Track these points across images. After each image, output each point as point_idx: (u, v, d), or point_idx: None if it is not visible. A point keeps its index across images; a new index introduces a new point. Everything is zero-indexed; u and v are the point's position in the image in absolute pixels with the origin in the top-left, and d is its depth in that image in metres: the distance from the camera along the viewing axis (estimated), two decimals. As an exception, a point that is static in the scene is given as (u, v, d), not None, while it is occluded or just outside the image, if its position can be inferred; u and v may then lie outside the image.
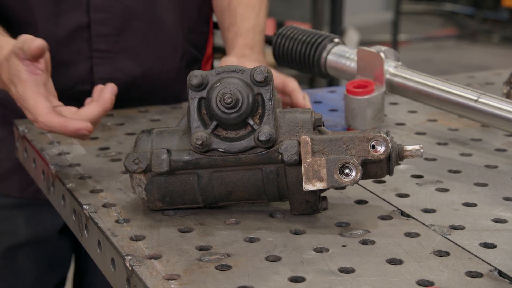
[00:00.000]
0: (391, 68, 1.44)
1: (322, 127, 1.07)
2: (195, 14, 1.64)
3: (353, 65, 1.49)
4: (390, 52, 1.46)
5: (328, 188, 1.03)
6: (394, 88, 1.44)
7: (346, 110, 1.45)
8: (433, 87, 1.38)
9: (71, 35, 1.48)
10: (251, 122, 1.04)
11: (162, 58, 1.58)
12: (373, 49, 1.45)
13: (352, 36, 5.86)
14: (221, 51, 1.70)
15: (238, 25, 1.56)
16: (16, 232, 1.55)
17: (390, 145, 1.03)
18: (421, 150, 1.06)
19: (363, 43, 5.71)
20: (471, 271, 0.93)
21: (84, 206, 1.12)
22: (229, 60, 1.48)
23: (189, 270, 0.93)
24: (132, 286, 0.94)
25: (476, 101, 1.32)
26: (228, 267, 0.94)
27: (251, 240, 1.02)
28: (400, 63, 1.45)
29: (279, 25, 5.36)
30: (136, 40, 1.53)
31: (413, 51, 7.28)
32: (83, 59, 1.49)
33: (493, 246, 1.00)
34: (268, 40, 1.63)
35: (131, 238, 1.02)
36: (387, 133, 1.04)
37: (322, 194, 1.09)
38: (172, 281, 0.90)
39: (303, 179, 1.02)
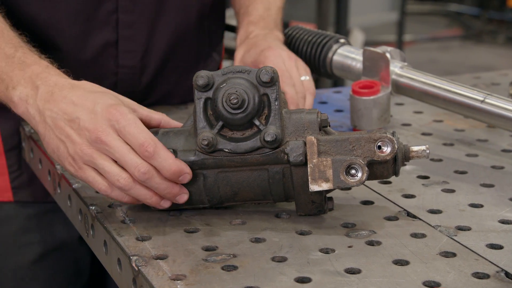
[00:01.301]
0: (397, 69, 1.44)
1: (328, 127, 1.07)
2: (215, 19, 1.64)
3: (358, 65, 1.49)
4: (396, 53, 1.46)
5: (334, 189, 1.03)
6: (400, 88, 1.44)
7: (352, 110, 1.45)
8: (439, 88, 1.38)
9: (99, 52, 1.48)
10: (257, 122, 1.04)
11: (185, 68, 1.59)
12: (379, 49, 1.45)
13: (357, 36, 5.85)
14: (229, 52, 1.70)
15: (247, 4, 1.55)
16: (43, 240, 1.54)
17: (396, 146, 1.03)
18: (428, 151, 1.06)
19: (368, 43, 5.70)
20: (477, 272, 0.93)
21: (90, 206, 1.12)
22: (238, 53, 1.48)
23: (195, 270, 0.93)
24: (138, 286, 0.94)
25: (482, 101, 1.32)
26: (234, 268, 0.94)
27: (257, 240, 1.02)
28: (406, 63, 1.45)
29: (284, 25, 5.35)
30: (161, 55, 1.53)
31: (418, 51, 7.26)
32: (109, 75, 1.49)
33: (499, 247, 0.99)
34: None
35: (137, 238, 1.02)
36: (393, 133, 1.04)
37: (328, 195, 1.09)
38: (178, 282, 0.90)
39: (309, 179, 1.01)
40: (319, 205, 1.07)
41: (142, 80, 1.53)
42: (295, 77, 1.41)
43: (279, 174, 1.06)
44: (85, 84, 1.14)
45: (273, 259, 0.96)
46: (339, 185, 1.01)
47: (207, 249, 0.99)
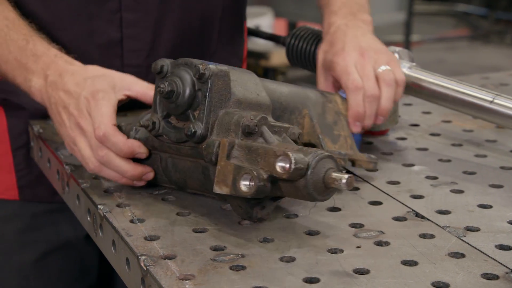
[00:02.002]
0: (406, 69, 1.44)
1: (268, 133, 1.01)
2: (229, 20, 1.62)
3: (367, 65, 1.49)
4: (404, 53, 1.46)
5: (238, 195, 0.98)
6: (408, 89, 1.44)
7: (360, 111, 1.44)
8: (448, 88, 1.38)
9: (104, 51, 1.48)
10: (190, 115, 1.07)
11: None
12: (387, 49, 1.45)
13: (365, 36, 5.82)
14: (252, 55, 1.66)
15: None
16: (48, 239, 1.54)
17: (292, 166, 0.95)
18: (344, 181, 0.94)
19: (375, 43, 5.66)
20: (486, 273, 0.92)
21: (99, 206, 1.12)
22: (320, 50, 1.42)
23: (203, 270, 0.93)
24: (147, 286, 0.94)
25: (491, 102, 1.31)
26: (243, 268, 0.94)
27: (266, 240, 1.02)
28: (414, 63, 1.45)
29: (292, 26, 5.35)
30: (167, 53, 1.53)
31: (425, 51, 7.25)
32: None
33: (509, 248, 0.99)
34: (281, 41, 1.62)
35: (146, 238, 1.02)
36: (317, 154, 0.96)
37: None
38: (187, 281, 0.90)
39: (215, 180, 1.01)
40: (246, 211, 1.04)
41: (148, 79, 1.53)
42: (368, 77, 1.30)
43: (207, 170, 1.06)
44: (87, 69, 1.23)
45: (281, 259, 0.96)
46: (234, 193, 0.99)
47: (215, 249, 0.99)
